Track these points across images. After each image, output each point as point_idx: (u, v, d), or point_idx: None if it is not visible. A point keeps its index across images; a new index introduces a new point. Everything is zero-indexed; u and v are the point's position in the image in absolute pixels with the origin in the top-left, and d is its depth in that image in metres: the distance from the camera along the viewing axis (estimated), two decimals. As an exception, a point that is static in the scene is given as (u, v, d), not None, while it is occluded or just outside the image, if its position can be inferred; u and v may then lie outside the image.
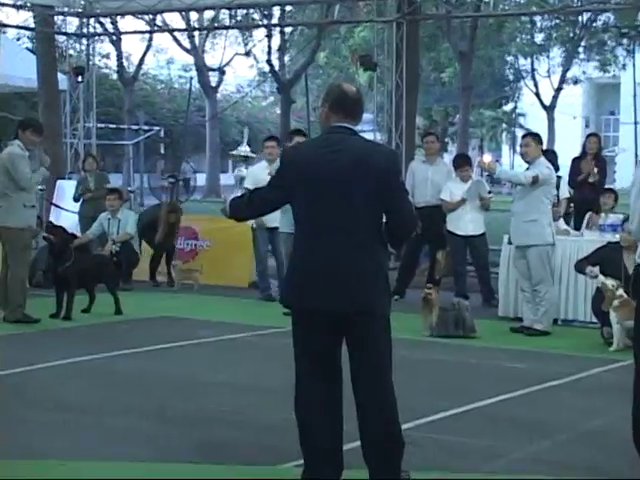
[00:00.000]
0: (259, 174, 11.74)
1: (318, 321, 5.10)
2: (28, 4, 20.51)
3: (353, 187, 5.07)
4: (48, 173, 11.59)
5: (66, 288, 11.29)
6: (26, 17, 26.62)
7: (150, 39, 41.41)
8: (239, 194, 5.62)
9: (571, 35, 42.19)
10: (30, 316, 10.99)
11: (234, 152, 5.67)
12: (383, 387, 5.13)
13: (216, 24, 32.67)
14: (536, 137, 11.13)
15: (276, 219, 11.52)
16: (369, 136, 16.15)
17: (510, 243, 11.16)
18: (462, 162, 13.23)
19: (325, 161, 5.11)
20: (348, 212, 5.08)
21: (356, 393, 5.15)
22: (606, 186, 13.76)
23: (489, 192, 12.94)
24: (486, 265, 12.96)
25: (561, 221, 12.21)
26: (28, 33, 33.41)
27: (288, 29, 38.79)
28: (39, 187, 15.20)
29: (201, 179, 40.50)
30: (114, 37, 36.76)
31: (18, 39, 36.83)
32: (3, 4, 20.47)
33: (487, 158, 11.31)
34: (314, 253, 5.12)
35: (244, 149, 5.73)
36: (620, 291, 9.61)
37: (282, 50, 39.45)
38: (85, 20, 20.02)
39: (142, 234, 14.72)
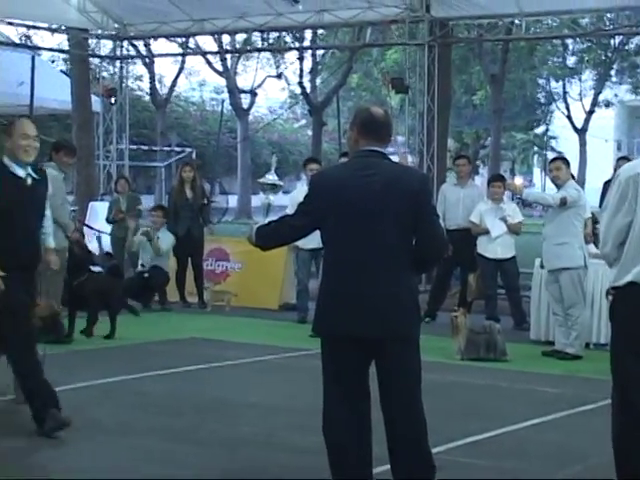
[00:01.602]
0: (300, 199, 11.78)
1: (349, 347, 5.09)
2: (63, 27, 20.70)
3: (384, 211, 5.06)
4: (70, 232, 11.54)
5: (85, 306, 11.28)
6: (60, 40, 26.94)
7: (183, 61, 41.69)
8: (266, 222, 5.56)
9: (603, 58, 42.03)
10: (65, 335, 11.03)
11: (261, 180, 5.66)
12: (414, 411, 5.12)
13: (248, 47, 32.80)
14: (565, 160, 11.17)
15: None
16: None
17: (542, 267, 11.12)
18: (495, 179, 13.20)
19: (356, 185, 5.10)
20: (379, 236, 5.07)
21: (386, 416, 5.13)
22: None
23: (505, 217, 12.76)
24: (517, 288, 12.91)
25: (592, 245, 12.16)
26: (62, 56, 33.73)
27: (320, 51, 38.91)
28: (71, 208, 15.32)
29: (232, 201, 40.67)
30: (147, 59, 37.01)
31: (52, 61, 37.21)
32: (38, 27, 20.65)
33: (518, 181, 11.31)
34: (344, 279, 5.10)
35: (272, 177, 5.71)
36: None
37: (314, 72, 39.55)
38: (119, 43, 20.20)
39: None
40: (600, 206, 13.36)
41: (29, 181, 7.03)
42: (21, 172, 6.97)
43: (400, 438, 5.10)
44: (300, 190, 12.61)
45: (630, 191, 4.98)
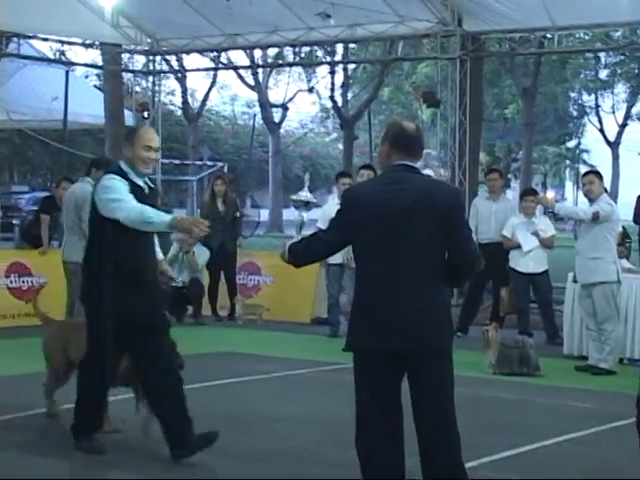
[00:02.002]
0: (332, 212, 11.83)
1: (382, 361, 5.09)
2: (96, 43, 20.89)
3: (417, 225, 5.07)
4: None
5: None
6: (94, 56, 27.19)
7: (214, 76, 41.94)
8: (299, 238, 5.56)
9: (636, 71, 41.88)
10: None
11: (294, 197, 5.68)
12: (447, 425, 5.12)
13: (280, 61, 32.98)
14: (598, 174, 11.11)
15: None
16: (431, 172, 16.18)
17: (575, 281, 11.07)
18: (527, 193, 13.17)
19: (388, 199, 5.11)
20: (412, 250, 5.07)
21: (419, 430, 5.13)
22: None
23: (537, 231, 12.71)
24: (549, 302, 12.86)
25: (624, 259, 12.10)
26: (95, 71, 34.04)
27: (351, 65, 39.00)
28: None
29: (264, 215, 40.77)
30: (179, 74, 37.25)
31: (86, 77, 37.53)
32: (72, 43, 20.84)
33: (549, 195, 11.29)
34: (377, 293, 5.10)
35: (305, 194, 5.73)
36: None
37: (345, 86, 39.65)
38: (151, 58, 20.34)
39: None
40: (633, 220, 13.35)
41: (147, 190, 6.74)
42: (140, 181, 6.69)
43: (433, 452, 5.10)
44: (331, 204, 12.64)
45: None
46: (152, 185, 6.89)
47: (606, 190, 11.34)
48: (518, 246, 12.66)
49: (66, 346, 7.67)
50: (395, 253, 5.08)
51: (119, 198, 6.40)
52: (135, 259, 6.62)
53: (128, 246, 6.54)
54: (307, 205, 5.93)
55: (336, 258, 11.69)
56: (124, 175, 6.58)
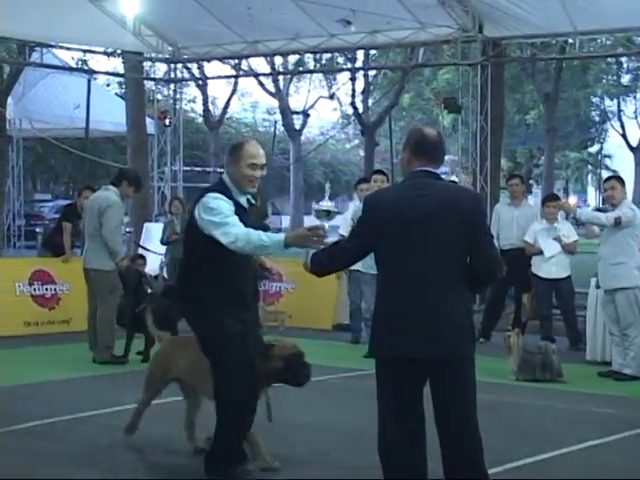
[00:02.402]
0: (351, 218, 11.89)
1: (405, 367, 5.09)
2: (118, 51, 20.98)
3: (440, 231, 5.07)
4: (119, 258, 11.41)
5: (143, 330, 11.37)
6: (116, 64, 27.31)
7: (235, 83, 42.03)
8: (321, 247, 5.55)
9: (658, 76, 41.75)
10: (119, 356, 11.16)
11: (316, 207, 5.69)
12: (470, 430, 5.11)
13: (300, 68, 33.05)
14: (620, 179, 11.06)
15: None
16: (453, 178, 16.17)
17: (598, 287, 11.02)
18: (549, 198, 13.14)
19: (411, 205, 5.11)
20: (435, 257, 5.07)
21: (442, 436, 5.12)
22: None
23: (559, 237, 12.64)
24: (572, 308, 12.80)
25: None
26: (117, 79, 34.17)
27: (372, 72, 39.00)
28: (127, 229, 15.49)
29: (285, 221, 40.79)
30: (200, 82, 37.36)
31: (107, 85, 37.68)
32: (94, 52, 20.95)
33: (572, 200, 11.26)
34: (401, 299, 5.10)
35: (326, 204, 5.74)
36: None
37: (366, 93, 39.65)
38: (172, 66, 20.42)
39: None
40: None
41: (247, 208, 6.28)
42: (242, 199, 6.24)
43: (456, 457, 5.09)
44: (351, 210, 12.65)
45: None
46: (253, 201, 6.45)
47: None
48: (540, 252, 12.61)
49: (171, 362, 7.12)
50: (417, 259, 5.07)
51: (226, 222, 5.95)
52: (241, 279, 6.28)
53: (234, 265, 6.16)
54: (329, 215, 5.95)
55: (357, 264, 11.66)
56: (227, 194, 6.14)
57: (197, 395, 7.09)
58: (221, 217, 5.99)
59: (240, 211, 6.10)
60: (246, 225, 5.99)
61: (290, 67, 34.94)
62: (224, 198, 6.09)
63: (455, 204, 5.12)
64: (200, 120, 45.48)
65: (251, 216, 6.25)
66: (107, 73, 27.09)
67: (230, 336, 6.09)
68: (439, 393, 5.13)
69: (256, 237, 5.86)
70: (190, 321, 6.41)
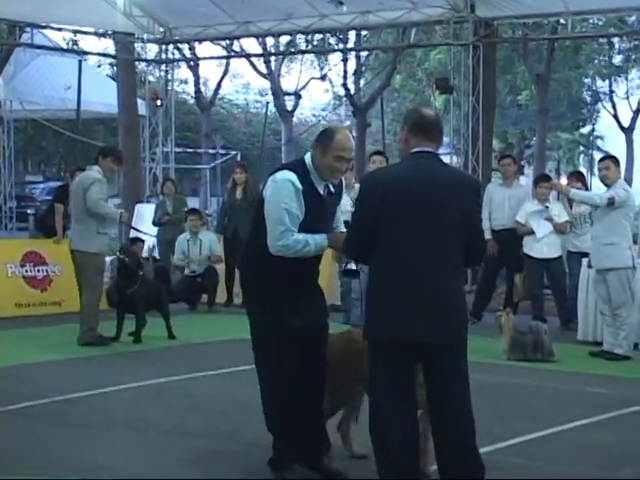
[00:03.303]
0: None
1: (404, 351, 5.06)
2: (109, 32, 20.90)
3: (445, 213, 5.06)
4: (118, 217, 11.59)
5: (134, 311, 11.38)
6: (107, 45, 27.22)
7: (227, 64, 41.94)
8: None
9: (650, 56, 41.71)
10: (102, 337, 11.14)
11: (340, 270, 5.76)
12: (465, 412, 5.12)
13: (292, 49, 32.89)
14: (614, 159, 11.07)
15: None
16: (445, 159, 16.16)
17: (590, 266, 11.05)
18: (541, 179, 13.13)
19: (419, 185, 5.07)
20: (439, 239, 5.06)
21: (437, 417, 5.14)
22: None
23: (551, 217, 12.64)
24: (563, 288, 12.83)
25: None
26: (108, 60, 34.06)
27: (364, 53, 38.91)
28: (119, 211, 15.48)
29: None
30: (192, 63, 37.26)
31: (99, 66, 37.56)
32: (85, 32, 20.87)
33: (562, 181, 11.27)
34: (405, 282, 5.04)
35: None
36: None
37: (358, 74, 39.56)
38: (164, 47, 20.35)
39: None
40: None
41: (324, 195, 5.88)
42: (320, 186, 5.84)
43: (451, 439, 5.10)
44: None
45: None
46: (332, 190, 5.96)
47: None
48: (532, 232, 12.63)
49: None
50: (423, 241, 5.04)
51: (281, 222, 5.65)
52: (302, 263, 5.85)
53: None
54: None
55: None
56: (306, 174, 5.77)
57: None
58: (279, 214, 5.66)
59: (313, 198, 5.75)
60: (317, 214, 5.74)
61: (282, 48, 34.84)
62: (295, 181, 5.70)
63: (457, 186, 5.14)
64: (192, 101, 45.39)
65: (326, 205, 5.89)
66: (98, 54, 27.08)
67: (278, 333, 5.85)
68: (436, 376, 5.12)
69: (302, 247, 5.67)
70: (245, 300, 6.36)
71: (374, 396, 5.21)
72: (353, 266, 5.83)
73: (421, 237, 5.04)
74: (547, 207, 12.59)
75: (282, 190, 5.69)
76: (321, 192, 5.84)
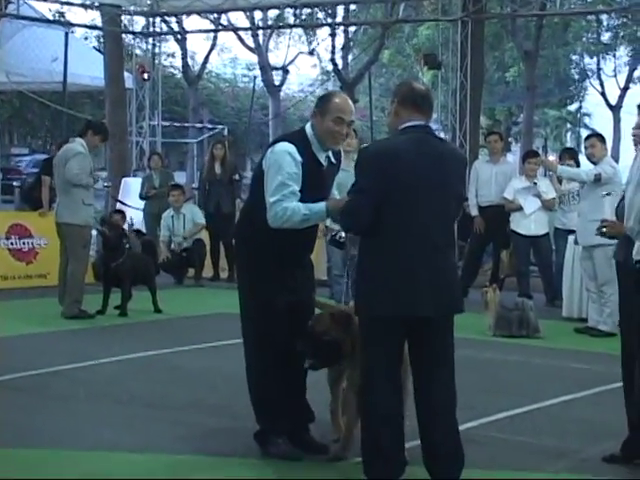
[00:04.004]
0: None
1: (399, 326, 5.06)
2: (96, 4, 20.76)
3: (446, 187, 5.10)
4: (96, 183, 11.60)
5: (120, 285, 11.36)
6: (93, 17, 27.03)
7: (215, 38, 41.73)
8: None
9: (638, 34, 41.65)
10: (87, 312, 11.13)
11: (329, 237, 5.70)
12: (451, 384, 5.17)
13: (280, 23, 32.79)
14: (600, 137, 11.10)
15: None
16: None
17: (577, 243, 11.07)
18: (529, 155, 13.11)
19: (419, 163, 5.04)
20: (439, 213, 5.09)
21: (422, 388, 5.16)
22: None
23: (539, 193, 12.63)
24: (550, 265, 12.85)
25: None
26: (95, 32, 33.85)
27: (352, 28, 38.78)
28: (105, 184, 15.44)
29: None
30: (179, 36, 37.05)
31: (85, 38, 37.31)
32: (71, 4, 20.74)
33: (551, 158, 11.28)
34: (409, 257, 5.01)
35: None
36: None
37: (346, 49, 39.44)
38: (151, 19, 20.24)
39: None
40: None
41: (324, 166, 5.79)
42: (322, 156, 5.74)
43: (437, 410, 5.12)
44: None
45: None
46: (334, 160, 5.88)
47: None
48: (519, 208, 12.63)
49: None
50: (426, 215, 5.03)
51: (280, 190, 5.52)
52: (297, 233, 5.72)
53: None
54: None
55: (327, 220, 11.63)
56: (306, 145, 5.66)
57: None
58: (278, 185, 5.54)
59: (313, 169, 5.64)
60: (317, 184, 5.64)
61: (270, 22, 34.69)
62: (294, 153, 5.59)
63: (452, 160, 5.20)
64: (179, 75, 45.18)
65: (326, 176, 5.80)
66: (85, 26, 26.83)
67: (266, 306, 5.76)
68: (428, 348, 5.13)
69: (299, 217, 5.51)
70: (238, 271, 6.23)
71: (369, 372, 5.17)
72: (343, 235, 5.74)
73: (426, 214, 5.03)
74: (535, 183, 12.59)
75: (280, 161, 5.58)
76: (322, 162, 5.74)
